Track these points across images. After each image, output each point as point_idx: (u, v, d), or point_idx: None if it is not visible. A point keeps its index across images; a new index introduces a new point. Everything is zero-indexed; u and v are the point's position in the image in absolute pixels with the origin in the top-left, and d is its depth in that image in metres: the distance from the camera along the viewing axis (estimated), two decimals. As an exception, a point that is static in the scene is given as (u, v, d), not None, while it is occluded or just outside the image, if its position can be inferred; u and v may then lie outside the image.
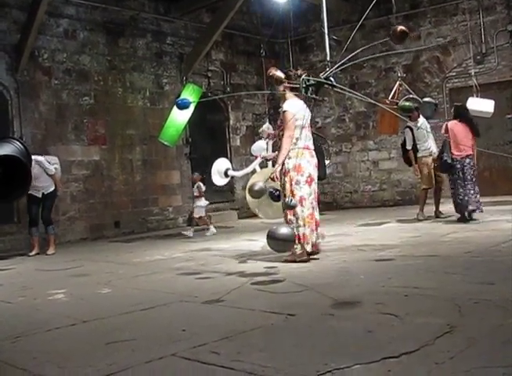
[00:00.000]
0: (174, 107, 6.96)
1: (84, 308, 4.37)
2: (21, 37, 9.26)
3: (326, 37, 5.74)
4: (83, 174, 10.14)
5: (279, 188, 5.89)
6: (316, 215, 5.73)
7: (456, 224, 7.91)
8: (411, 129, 8.85)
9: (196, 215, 9.45)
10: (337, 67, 5.29)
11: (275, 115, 9.23)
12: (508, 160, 10.46)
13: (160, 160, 11.36)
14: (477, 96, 9.49)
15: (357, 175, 13.10)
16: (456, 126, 8.08)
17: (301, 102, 5.77)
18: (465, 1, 11.34)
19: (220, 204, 12.16)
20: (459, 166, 7.96)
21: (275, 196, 6.10)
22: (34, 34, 9.16)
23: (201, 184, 9.49)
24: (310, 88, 5.41)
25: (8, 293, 5.23)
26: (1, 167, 3.71)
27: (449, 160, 8.00)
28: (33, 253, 8.16)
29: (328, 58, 5.61)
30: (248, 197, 6.66)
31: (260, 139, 8.52)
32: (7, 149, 3.91)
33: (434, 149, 8.87)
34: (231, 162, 9.41)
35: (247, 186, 6.39)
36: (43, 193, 8.19)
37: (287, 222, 5.57)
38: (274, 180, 5.67)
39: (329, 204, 13.03)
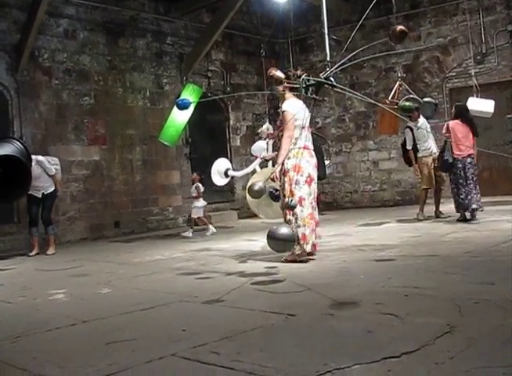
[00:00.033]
0: (175, 107, 6.97)
1: (85, 308, 4.37)
2: (21, 37, 9.26)
3: (326, 37, 5.74)
4: (83, 174, 10.14)
5: (279, 188, 5.89)
6: (315, 214, 5.73)
7: (456, 224, 7.91)
8: (411, 129, 8.85)
9: (194, 216, 9.46)
10: (337, 67, 5.30)
11: (276, 115, 9.22)
12: (508, 160, 10.46)
13: (160, 160, 11.36)
14: (477, 96, 9.49)
15: (357, 175, 13.10)
16: (457, 126, 8.09)
17: (301, 102, 5.78)
18: (465, 1, 11.33)
19: (220, 204, 12.17)
20: (460, 165, 7.97)
21: (275, 196, 6.10)
22: (34, 34, 9.16)
23: (200, 185, 9.49)
24: (310, 88, 5.41)
25: (8, 293, 5.23)
26: (2, 167, 3.72)
27: (450, 160, 8.01)
28: (33, 253, 8.16)
29: (328, 58, 5.61)
30: (248, 196, 6.67)
31: (260, 139, 8.54)
32: (7, 149, 3.92)
33: (435, 149, 8.87)
34: (231, 162, 9.42)
35: (247, 186, 6.40)
36: (43, 194, 8.19)
37: (287, 222, 5.56)
38: (274, 180, 5.67)
39: (329, 204, 13.03)
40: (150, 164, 11.19)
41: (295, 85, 5.55)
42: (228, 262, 6.10)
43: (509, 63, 11.17)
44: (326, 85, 5.43)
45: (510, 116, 11.07)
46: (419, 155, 8.89)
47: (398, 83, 8.71)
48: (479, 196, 7.98)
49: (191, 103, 5.81)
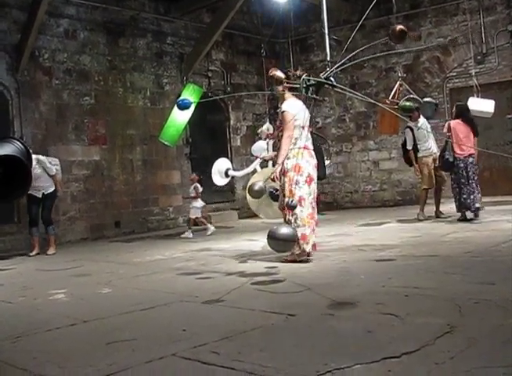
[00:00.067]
0: (175, 107, 6.96)
1: (85, 308, 4.37)
2: (21, 38, 9.26)
3: (327, 37, 5.73)
4: (83, 174, 10.14)
5: (279, 188, 5.88)
6: (315, 214, 5.73)
7: (456, 224, 7.91)
8: (411, 129, 8.85)
9: (192, 216, 9.46)
10: (338, 67, 5.29)
11: (276, 115, 9.23)
12: (508, 160, 10.46)
13: (160, 160, 11.36)
14: (477, 96, 9.50)
15: (357, 175, 13.10)
16: (458, 125, 8.10)
17: (300, 102, 5.78)
18: (465, 2, 11.33)
19: (220, 204, 12.17)
20: (462, 165, 7.98)
21: (276, 196, 6.10)
22: (34, 34, 9.16)
23: (198, 185, 9.49)
24: (310, 88, 5.41)
25: (8, 293, 5.23)
26: (2, 167, 3.71)
27: (451, 159, 8.02)
28: (33, 253, 8.16)
29: (328, 58, 5.61)
30: (248, 196, 6.67)
31: (259, 139, 8.54)
32: (7, 149, 3.92)
33: (435, 149, 8.88)
34: (231, 162, 9.42)
35: (247, 186, 6.39)
36: (43, 194, 8.19)
37: (286, 222, 5.56)
38: (274, 180, 5.67)
39: (329, 204, 13.03)
40: (151, 164, 11.19)
41: (295, 85, 5.55)
42: (229, 262, 6.10)
43: (509, 63, 11.17)
44: (326, 85, 5.43)
45: (510, 116, 11.07)
46: (419, 155, 8.89)
47: (398, 83, 8.70)
48: (480, 195, 7.99)
49: (192, 103, 5.80)
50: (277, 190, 5.97)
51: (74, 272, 6.30)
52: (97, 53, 10.47)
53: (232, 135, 12.85)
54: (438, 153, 8.65)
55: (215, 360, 2.74)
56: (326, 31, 5.75)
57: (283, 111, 5.65)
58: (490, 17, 11.26)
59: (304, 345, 2.93)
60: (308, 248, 5.56)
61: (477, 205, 7.92)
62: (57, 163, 8.56)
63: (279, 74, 5.82)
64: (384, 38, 6.03)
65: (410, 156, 9.04)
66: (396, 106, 6.05)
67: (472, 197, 7.89)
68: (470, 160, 8.01)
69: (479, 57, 11.34)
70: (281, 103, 5.84)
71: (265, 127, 8.52)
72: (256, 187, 5.88)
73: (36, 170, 7.90)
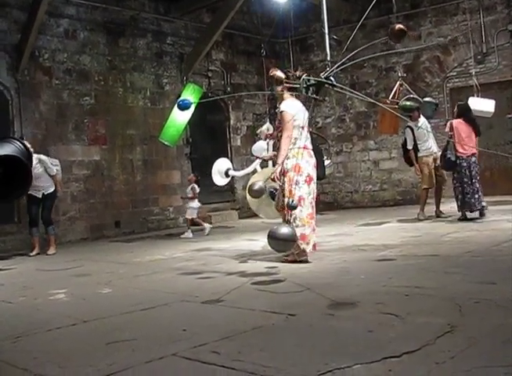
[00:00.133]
0: (175, 107, 6.96)
1: (85, 308, 4.37)
2: (21, 37, 9.26)
3: (327, 37, 5.72)
4: (83, 174, 10.14)
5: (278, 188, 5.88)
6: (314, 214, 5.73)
7: (456, 224, 7.91)
8: (411, 129, 8.85)
9: (188, 217, 9.45)
10: (338, 67, 5.29)
11: (276, 115, 9.23)
12: (509, 160, 10.46)
13: (160, 160, 11.36)
14: (477, 96, 9.50)
15: (358, 175, 13.10)
16: (460, 125, 8.11)
17: (299, 102, 5.78)
18: (465, 1, 11.34)
19: (220, 204, 12.17)
20: (465, 164, 7.99)
21: (275, 195, 6.10)
22: (34, 34, 9.16)
23: (195, 185, 9.49)
24: (311, 88, 5.41)
25: (9, 293, 5.23)
26: (2, 167, 3.71)
27: (453, 158, 8.03)
28: (33, 253, 8.16)
29: (328, 58, 5.61)
30: (248, 196, 6.67)
31: (259, 139, 8.53)
32: (7, 149, 3.92)
33: (435, 149, 8.87)
34: (231, 162, 9.41)
35: (247, 186, 6.39)
36: (43, 194, 8.19)
37: (286, 222, 5.56)
38: (275, 180, 5.67)
39: (329, 203, 13.03)
40: (151, 164, 11.19)
41: (295, 86, 5.55)
42: (229, 261, 6.10)
43: (509, 63, 11.17)
44: (326, 85, 5.42)
45: (510, 116, 11.07)
46: (419, 155, 8.88)
47: (398, 83, 8.70)
48: (482, 195, 8.01)
49: (192, 103, 5.80)
50: (277, 190, 5.97)
51: (74, 272, 6.30)
52: (97, 53, 10.46)
53: (232, 135, 12.84)
54: (439, 153, 8.65)
55: (216, 360, 2.74)
56: (326, 31, 5.74)
57: (282, 111, 5.65)
58: (490, 17, 11.26)
59: (304, 344, 2.93)
60: (308, 248, 5.55)
61: (484, 204, 7.94)
62: (57, 164, 8.56)
63: (280, 74, 5.82)
64: (384, 38, 6.02)
65: (410, 156, 9.03)
66: (396, 106, 6.05)
67: (476, 196, 7.90)
68: (473, 159, 8.03)
69: (479, 57, 11.34)
70: (279, 103, 5.85)
71: (264, 127, 8.51)
72: (256, 187, 5.88)
73: (37, 169, 7.91)
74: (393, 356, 2.58)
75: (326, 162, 8.08)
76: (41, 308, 4.48)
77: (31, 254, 8.14)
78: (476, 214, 8.04)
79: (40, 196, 8.16)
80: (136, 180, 10.94)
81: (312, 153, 5.78)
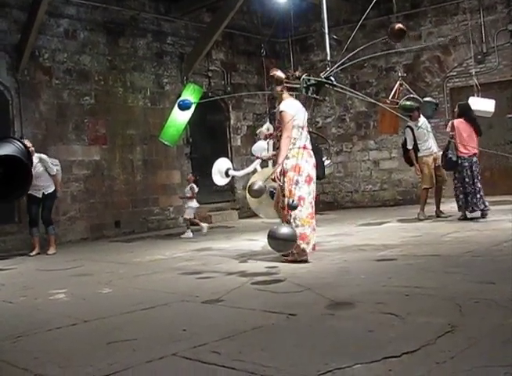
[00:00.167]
0: (175, 107, 6.96)
1: (85, 307, 4.37)
2: (21, 37, 9.26)
3: (327, 36, 5.72)
4: (83, 174, 10.14)
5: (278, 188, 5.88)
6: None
7: (456, 223, 7.91)
8: (411, 129, 8.85)
9: (186, 216, 9.45)
10: (338, 67, 5.29)
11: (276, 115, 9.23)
12: (509, 159, 10.46)
13: (160, 159, 11.36)
14: (477, 96, 9.50)
15: (358, 175, 13.10)
16: (461, 125, 8.12)
17: (298, 102, 5.78)
18: (465, 1, 11.35)
19: (220, 204, 12.17)
20: (467, 164, 7.99)
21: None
22: (34, 34, 9.16)
23: (194, 185, 9.49)
24: (311, 88, 5.41)
25: (9, 293, 5.24)
26: (2, 167, 3.72)
27: (454, 158, 8.03)
28: (34, 253, 8.16)
29: (328, 57, 5.61)
30: (248, 196, 6.66)
31: (259, 139, 8.54)
32: (7, 149, 3.92)
33: (435, 148, 8.87)
34: (232, 162, 9.42)
35: (247, 186, 6.39)
36: (43, 193, 8.19)
37: (286, 222, 5.55)
38: (275, 180, 5.67)
39: (329, 203, 13.03)
40: (151, 164, 11.20)
41: (295, 85, 5.55)
42: (229, 261, 6.10)
43: (509, 63, 11.17)
44: (326, 85, 5.42)
45: (510, 116, 11.07)
46: (419, 155, 8.88)
47: (398, 82, 8.70)
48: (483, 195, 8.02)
49: (192, 103, 5.79)
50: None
51: (75, 272, 6.30)
52: (97, 53, 10.47)
53: (232, 135, 12.85)
54: (439, 153, 8.66)
55: (216, 360, 2.74)
56: (326, 31, 5.74)
57: (281, 111, 5.65)
58: (490, 16, 11.26)
59: (304, 344, 2.93)
60: (308, 248, 5.56)
61: (487, 203, 7.94)
62: (57, 164, 8.57)
63: (280, 74, 5.82)
64: (384, 38, 6.02)
65: (410, 155, 9.03)
66: (396, 106, 6.05)
67: (478, 195, 7.91)
68: (475, 159, 8.04)
69: (479, 57, 11.34)
70: (279, 104, 5.85)
71: (264, 127, 8.51)
72: (256, 187, 5.86)
73: (38, 168, 7.93)
74: (393, 355, 2.58)
75: (326, 162, 8.08)
76: (41, 308, 4.48)
77: (31, 254, 8.14)
78: (477, 213, 8.04)
79: (40, 196, 8.17)
80: (136, 180, 10.94)
81: (312, 152, 5.78)
